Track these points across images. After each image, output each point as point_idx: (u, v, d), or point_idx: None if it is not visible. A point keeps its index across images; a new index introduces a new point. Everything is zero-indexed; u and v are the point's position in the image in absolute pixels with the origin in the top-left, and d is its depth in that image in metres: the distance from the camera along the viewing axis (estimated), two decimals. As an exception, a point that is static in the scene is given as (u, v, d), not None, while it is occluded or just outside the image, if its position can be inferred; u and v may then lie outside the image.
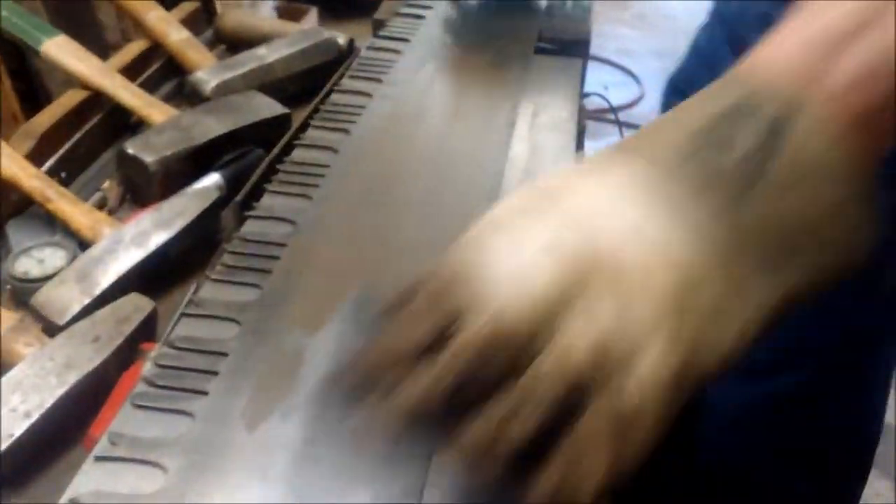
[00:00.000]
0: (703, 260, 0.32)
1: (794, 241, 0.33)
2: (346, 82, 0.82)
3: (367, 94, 0.80)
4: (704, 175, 0.33)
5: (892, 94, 0.34)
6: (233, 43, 0.98)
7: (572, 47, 0.98)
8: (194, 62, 0.88)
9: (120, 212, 0.73)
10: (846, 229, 0.34)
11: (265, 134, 0.78)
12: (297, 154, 0.69)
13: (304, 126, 0.76)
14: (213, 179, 0.71)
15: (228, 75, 0.84)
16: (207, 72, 0.84)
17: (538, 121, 0.79)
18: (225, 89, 0.83)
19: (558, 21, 1.01)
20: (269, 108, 0.79)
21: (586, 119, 0.86)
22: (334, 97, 0.79)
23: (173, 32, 0.89)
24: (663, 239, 0.32)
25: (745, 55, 0.38)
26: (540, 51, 0.93)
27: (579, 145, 0.92)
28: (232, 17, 0.98)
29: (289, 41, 0.90)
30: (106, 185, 0.74)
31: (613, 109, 2.32)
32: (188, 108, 0.81)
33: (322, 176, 0.66)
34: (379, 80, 0.83)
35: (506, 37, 0.94)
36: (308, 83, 0.88)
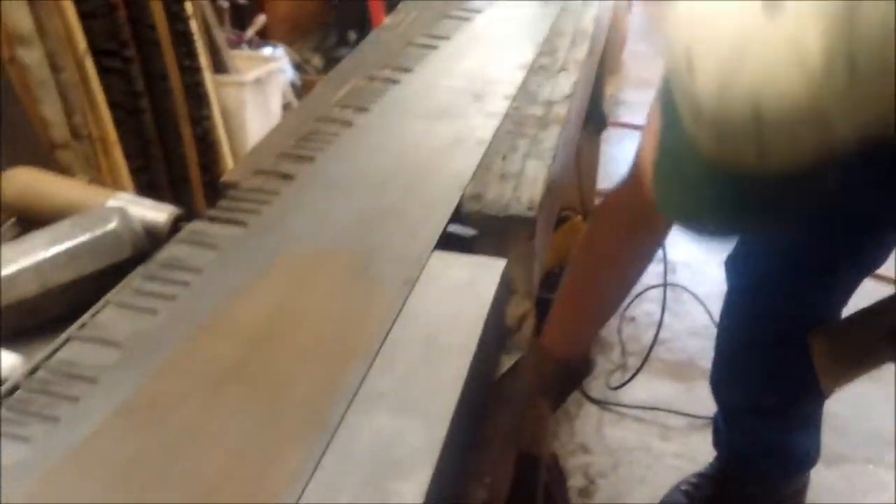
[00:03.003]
0: None
1: None
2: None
3: (115, 344, 0.48)
4: None
5: None
6: (21, 215, 0.68)
7: (505, 230, 0.65)
8: None
9: None
10: None
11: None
12: None
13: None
14: None
15: (-65, 302, 0.53)
16: None
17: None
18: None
19: (492, 185, 0.67)
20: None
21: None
22: (60, 358, 0.48)
23: None
24: None
25: None
26: (446, 241, 0.60)
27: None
28: (17, 180, 0.68)
29: (55, 233, 0.59)
30: None
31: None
32: None
33: None
34: (153, 312, 0.51)
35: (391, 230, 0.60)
36: (84, 296, 0.57)
